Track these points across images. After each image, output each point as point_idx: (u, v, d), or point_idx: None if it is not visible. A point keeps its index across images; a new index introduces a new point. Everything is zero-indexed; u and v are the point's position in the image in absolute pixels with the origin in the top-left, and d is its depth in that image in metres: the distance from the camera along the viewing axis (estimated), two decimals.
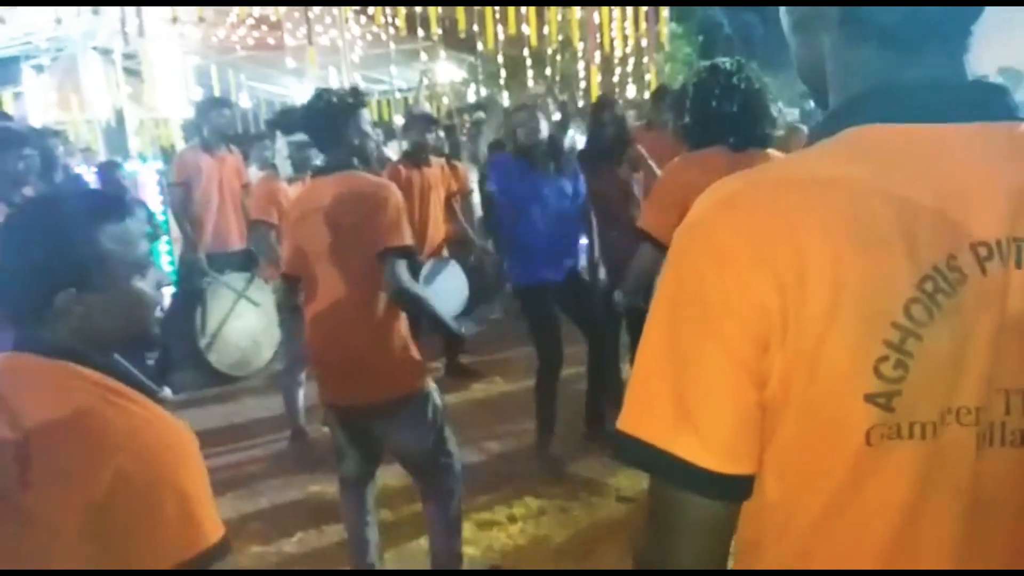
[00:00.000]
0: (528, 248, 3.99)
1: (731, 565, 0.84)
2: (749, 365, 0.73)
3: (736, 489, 0.76)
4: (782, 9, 0.84)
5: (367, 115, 2.78)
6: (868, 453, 0.72)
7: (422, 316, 2.79)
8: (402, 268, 2.56)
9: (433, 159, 5.02)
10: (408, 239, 2.62)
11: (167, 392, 5.31)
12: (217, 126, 5.18)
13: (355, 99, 2.74)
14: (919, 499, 0.74)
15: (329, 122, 2.69)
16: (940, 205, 0.72)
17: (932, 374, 0.71)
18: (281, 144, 4.18)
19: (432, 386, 2.77)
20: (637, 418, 0.78)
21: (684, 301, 0.76)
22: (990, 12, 0.77)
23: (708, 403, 0.74)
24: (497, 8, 10.67)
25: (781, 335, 0.71)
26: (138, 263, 1.29)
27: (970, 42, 0.77)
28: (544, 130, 3.96)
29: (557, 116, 7.94)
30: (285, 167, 4.19)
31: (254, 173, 5.46)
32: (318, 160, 3.34)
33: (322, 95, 2.76)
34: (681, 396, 0.74)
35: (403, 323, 2.70)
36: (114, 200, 1.36)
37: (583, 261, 4.31)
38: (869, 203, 0.72)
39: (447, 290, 4.40)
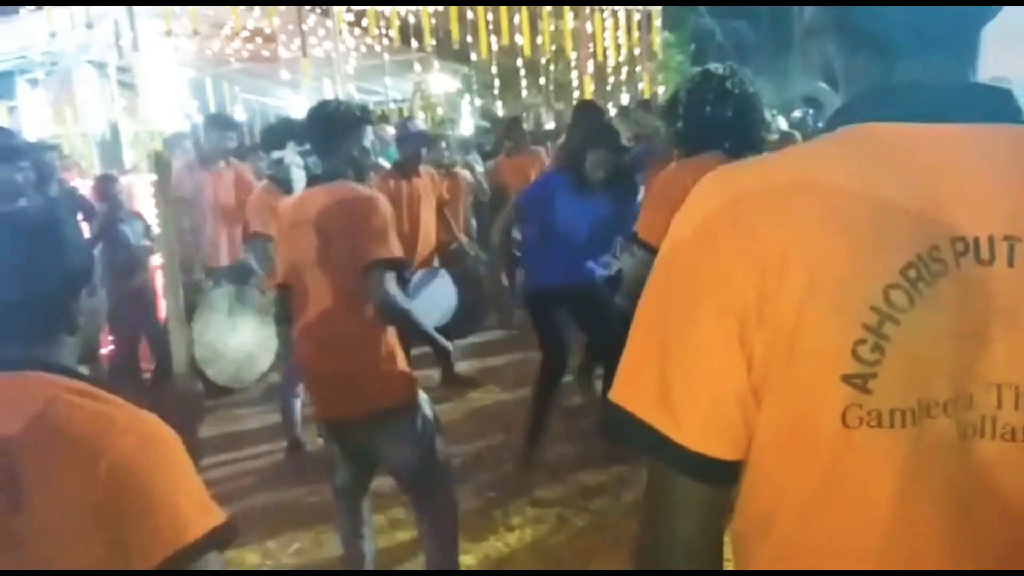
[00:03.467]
0: (546, 255, 4.01)
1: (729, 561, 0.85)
2: (729, 347, 0.75)
3: (713, 470, 0.78)
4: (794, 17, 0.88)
5: (370, 132, 2.78)
6: (848, 438, 0.73)
7: (408, 330, 2.75)
8: (389, 281, 2.53)
9: (423, 168, 5.04)
10: (396, 251, 2.59)
11: None
12: (219, 147, 5.19)
13: (361, 113, 2.77)
14: (906, 491, 0.74)
15: (328, 132, 2.70)
16: (926, 198, 0.74)
17: (909, 360, 0.72)
18: (293, 155, 4.16)
19: (423, 398, 2.75)
20: (626, 390, 0.81)
21: (674, 281, 0.80)
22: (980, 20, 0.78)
23: (686, 382, 0.77)
24: (490, 18, 10.72)
25: (759, 319, 0.74)
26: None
27: (971, 46, 0.79)
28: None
29: (552, 125, 7.99)
30: (299, 177, 4.17)
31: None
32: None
33: (326, 105, 2.78)
34: (663, 372, 0.78)
35: (391, 334, 2.67)
36: (63, 208, 1.42)
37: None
38: (855, 194, 0.74)
39: (436, 300, 4.41)
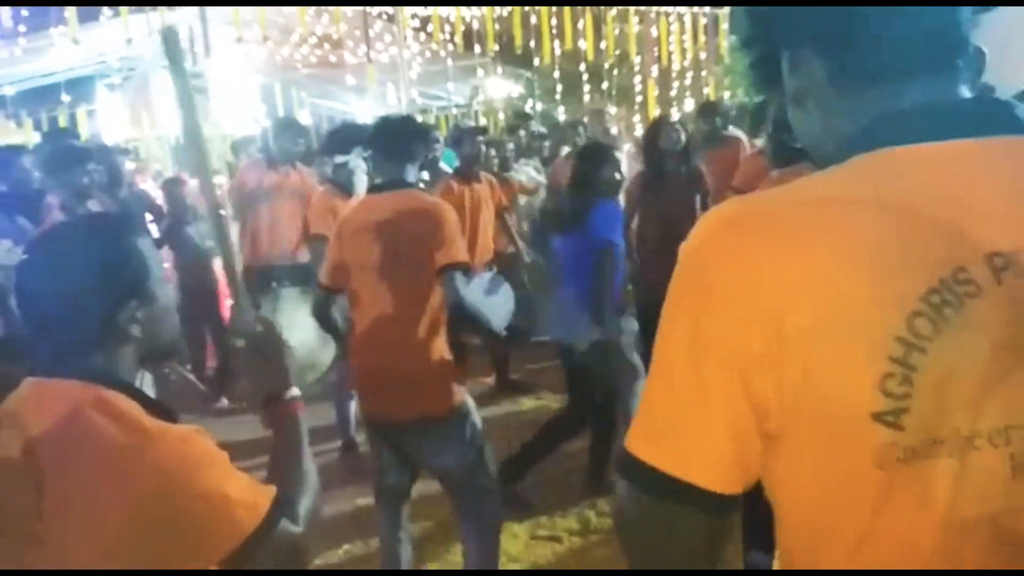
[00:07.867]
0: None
1: None
2: (731, 395, 0.73)
3: (704, 500, 0.77)
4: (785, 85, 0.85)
5: (431, 143, 2.95)
6: (885, 479, 0.70)
7: (475, 328, 2.84)
8: (462, 282, 2.68)
9: (483, 174, 5.07)
10: (466, 255, 2.75)
11: (224, 402, 5.44)
12: (288, 149, 5.27)
13: (425, 128, 3.03)
14: (950, 526, 0.70)
15: (393, 141, 2.83)
16: (946, 218, 0.71)
17: (942, 390, 0.68)
18: (357, 160, 4.21)
19: (471, 405, 2.78)
20: (632, 434, 0.81)
21: (679, 324, 0.78)
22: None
23: (683, 420, 0.76)
24: (554, 23, 10.71)
25: (767, 366, 0.71)
26: (163, 274, 1.36)
27: (962, 68, 0.78)
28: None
29: (615, 130, 7.92)
30: (362, 182, 4.21)
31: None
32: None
33: (392, 117, 3.10)
34: (661, 413, 0.78)
35: (443, 341, 2.73)
36: (131, 217, 1.43)
37: None
38: (869, 221, 0.71)
39: (495, 305, 4.41)
